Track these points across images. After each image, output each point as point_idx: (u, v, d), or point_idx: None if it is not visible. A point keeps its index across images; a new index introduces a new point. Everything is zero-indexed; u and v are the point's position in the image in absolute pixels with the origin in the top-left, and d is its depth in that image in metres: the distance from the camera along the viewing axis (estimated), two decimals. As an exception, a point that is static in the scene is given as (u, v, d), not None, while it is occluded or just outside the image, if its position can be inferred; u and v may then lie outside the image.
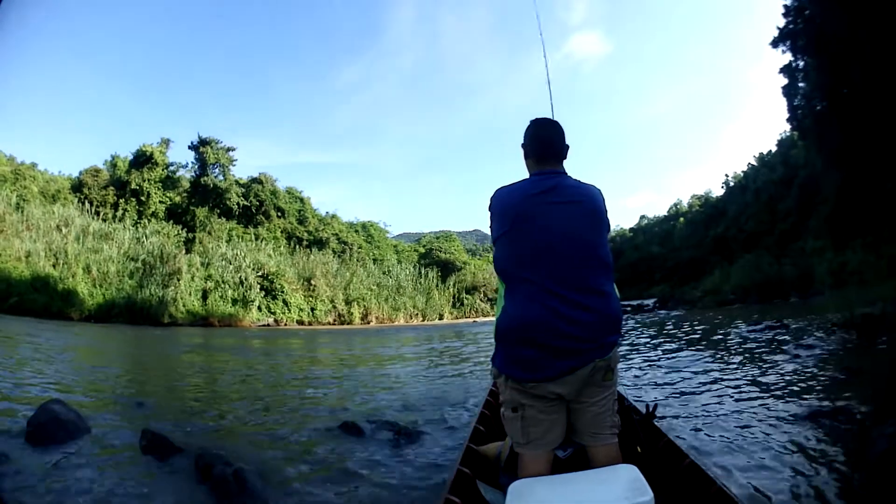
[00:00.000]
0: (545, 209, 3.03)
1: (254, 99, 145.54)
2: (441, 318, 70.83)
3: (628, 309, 45.45)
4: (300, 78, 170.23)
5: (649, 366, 12.81)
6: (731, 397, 8.64)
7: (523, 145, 3.41)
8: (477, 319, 68.48)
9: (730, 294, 43.12)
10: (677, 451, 3.90)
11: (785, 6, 31.88)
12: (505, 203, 3.16)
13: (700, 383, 10.13)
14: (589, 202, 3.15)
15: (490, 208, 3.27)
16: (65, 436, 6.28)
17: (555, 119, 3.50)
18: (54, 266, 38.88)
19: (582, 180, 3.27)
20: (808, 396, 8.21)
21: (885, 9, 23.79)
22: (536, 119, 3.43)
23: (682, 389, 9.67)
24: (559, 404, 3.06)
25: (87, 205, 50.97)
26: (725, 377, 10.58)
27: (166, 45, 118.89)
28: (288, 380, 13.41)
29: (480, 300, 77.08)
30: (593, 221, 3.13)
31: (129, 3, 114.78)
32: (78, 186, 55.84)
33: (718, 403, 8.27)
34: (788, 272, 39.06)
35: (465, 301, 76.44)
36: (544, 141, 3.32)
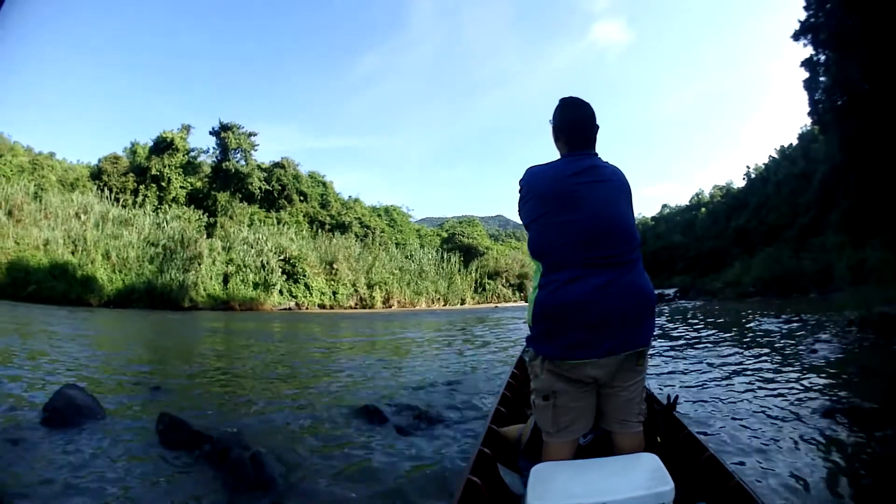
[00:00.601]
0: (582, 189, 3.01)
1: (275, 85, 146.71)
2: (463, 302, 70.90)
3: (650, 298, 45.30)
4: (322, 65, 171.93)
5: (669, 356, 12.82)
6: (749, 391, 8.62)
7: (554, 127, 3.33)
8: (499, 305, 68.74)
9: (750, 287, 43.00)
10: (697, 443, 3.90)
11: (807, -1, 31.71)
12: (540, 184, 3.14)
13: (718, 375, 10.11)
14: (621, 182, 3.17)
15: (522, 188, 3.22)
16: (81, 420, 6.33)
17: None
18: (73, 253, 39.25)
19: (611, 163, 3.25)
20: (824, 393, 8.19)
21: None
22: (566, 99, 3.34)
23: (701, 381, 9.65)
24: (592, 390, 3.05)
25: (107, 191, 51.37)
26: (743, 371, 10.57)
27: (187, 33, 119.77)
28: (308, 364, 13.39)
29: (502, 285, 77.02)
30: (627, 202, 3.14)
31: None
32: (97, 174, 56.32)
33: (736, 397, 8.25)
34: (808, 267, 38.95)
35: (488, 286, 76.30)
36: (576, 123, 3.26)
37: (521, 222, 3.31)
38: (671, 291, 53.28)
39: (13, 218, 38.50)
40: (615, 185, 3.11)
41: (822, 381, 9.09)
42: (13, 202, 39.52)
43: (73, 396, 6.67)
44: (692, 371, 10.72)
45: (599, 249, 2.91)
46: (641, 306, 2.96)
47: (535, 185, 3.15)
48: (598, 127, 3.28)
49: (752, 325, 19.29)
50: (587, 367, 2.92)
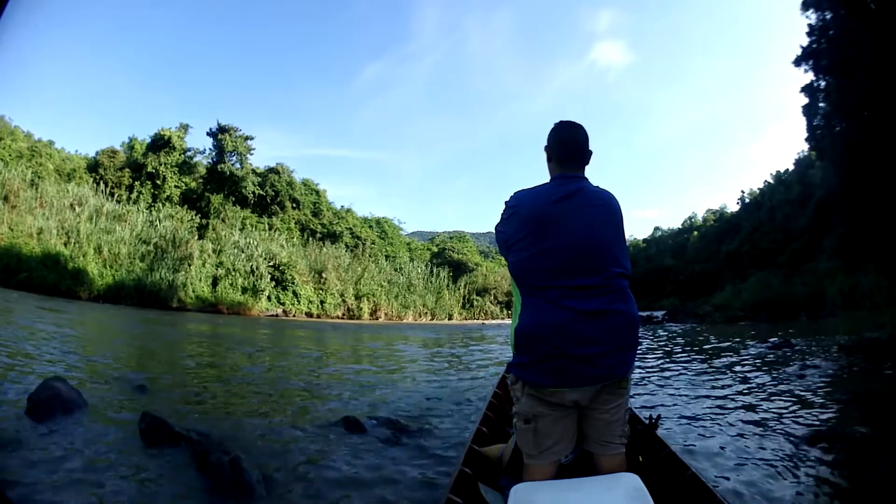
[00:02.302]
0: (569, 213, 3.01)
1: (275, 91, 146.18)
2: (450, 317, 70.21)
3: (637, 321, 45.15)
4: (323, 74, 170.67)
5: (653, 379, 12.77)
6: (734, 415, 8.62)
7: (547, 148, 3.36)
8: (486, 321, 67.92)
9: (739, 311, 42.96)
10: (679, 462, 3.92)
11: (809, 25, 31.84)
12: (527, 207, 3.12)
13: (703, 399, 10.09)
14: (610, 208, 3.15)
15: (508, 211, 3.23)
16: (65, 413, 6.36)
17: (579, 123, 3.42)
18: (66, 244, 38.86)
19: (601, 186, 3.26)
20: (810, 418, 8.19)
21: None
22: (562, 122, 3.38)
23: (685, 404, 9.62)
24: (573, 413, 3.06)
25: (102, 185, 50.88)
26: (729, 394, 10.56)
27: (191, 34, 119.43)
28: (292, 372, 13.39)
29: (490, 302, 76.31)
30: (615, 227, 3.12)
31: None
32: (94, 166, 55.98)
33: (721, 420, 8.24)
34: (799, 292, 38.93)
35: (476, 302, 75.61)
36: (569, 144, 3.28)
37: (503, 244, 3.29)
38: (659, 314, 52.89)
39: (9, 204, 38.10)
40: (603, 210, 3.11)
41: (808, 406, 9.06)
42: (9, 188, 39.22)
43: (57, 389, 6.68)
44: (676, 394, 10.70)
45: (582, 275, 2.92)
46: (624, 335, 2.96)
47: (520, 207, 3.15)
48: (590, 152, 3.31)
49: (739, 349, 19.25)
50: (568, 393, 2.94)
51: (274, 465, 5.39)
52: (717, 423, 7.96)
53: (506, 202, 3.27)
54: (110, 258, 40.38)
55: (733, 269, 69.82)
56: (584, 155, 3.29)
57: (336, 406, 8.79)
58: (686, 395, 10.34)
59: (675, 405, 9.37)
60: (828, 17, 30.86)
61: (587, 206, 3.06)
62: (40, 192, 41.75)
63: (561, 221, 2.99)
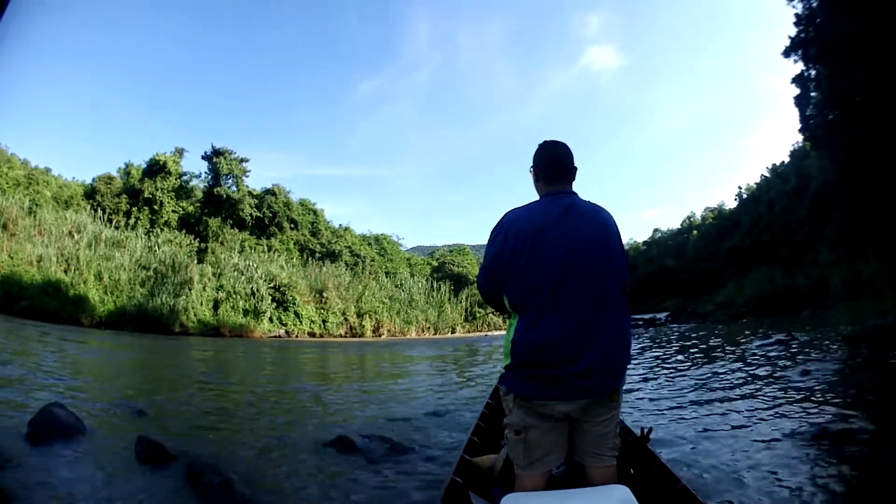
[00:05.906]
0: (561, 231, 3.01)
1: (269, 112, 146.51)
2: (453, 331, 70.92)
3: (640, 323, 45.45)
4: (317, 93, 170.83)
5: (652, 384, 12.77)
6: (736, 416, 8.64)
7: (533, 167, 3.39)
8: (489, 333, 68.45)
9: (741, 307, 43.03)
10: (670, 474, 3.93)
11: (796, 15, 31.88)
12: (519, 226, 3.10)
13: (704, 400, 10.14)
14: (603, 223, 3.16)
15: (500, 234, 3.18)
16: (64, 438, 6.46)
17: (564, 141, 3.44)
18: (66, 271, 39.12)
19: (592, 201, 3.29)
20: (814, 415, 8.15)
21: (888, 16, 23.84)
22: (546, 141, 3.43)
23: (687, 406, 9.70)
24: (563, 424, 3.05)
25: (100, 212, 51.16)
26: (730, 395, 10.59)
27: (182, 59, 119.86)
28: (290, 393, 13.50)
29: (493, 314, 76.07)
30: (608, 242, 3.11)
31: (148, 18, 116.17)
32: (91, 193, 56.03)
33: (722, 422, 8.27)
34: (801, 284, 38.98)
35: (478, 315, 76.15)
36: (555, 162, 3.31)
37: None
38: (662, 316, 53.14)
39: (8, 232, 38.63)
40: (595, 226, 3.11)
41: (813, 402, 9.02)
42: (8, 216, 39.55)
43: (56, 414, 6.80)
44: (675, 398, 10.72)
45: (575, 291, 2.93)
46: (616, 349, 2.98)
47: (514, 227, 3.12)
48: (576, 168, 3.34)
49: (741, 348, 19.18)
50: (559, 406, 2.94)
51: (264, 486, 5.50)
52: (719, 427, 7.97)
53: (494, 229, 3.25)
54: (111, 284, 40.65)
55: (735, 265, 69.57)
56: (570, 171, 3.32)
57: (331, 426, 8.83)
58: (687, 399, 10.38)
59: (673, 412, 9.35)
60: (814, 4, 30.94)
61: (579, 222, 3.08)
62: (39, 220, 42.18)
63: (554, 238, 3.00)
